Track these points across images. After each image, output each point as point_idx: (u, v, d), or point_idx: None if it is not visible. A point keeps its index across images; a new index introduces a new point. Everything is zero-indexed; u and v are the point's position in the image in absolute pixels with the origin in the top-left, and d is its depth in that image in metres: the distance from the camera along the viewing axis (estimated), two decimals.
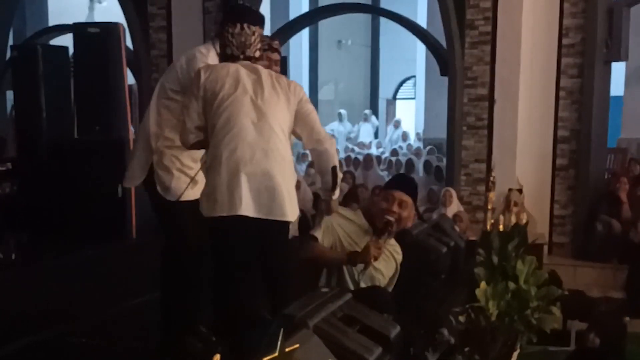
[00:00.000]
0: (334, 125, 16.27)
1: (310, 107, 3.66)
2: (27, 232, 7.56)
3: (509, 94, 8.72)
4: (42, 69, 8.06)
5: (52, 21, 13.88)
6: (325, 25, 15.73)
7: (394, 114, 19.04)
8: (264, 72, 3.58)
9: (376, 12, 16.32)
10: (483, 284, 5.07)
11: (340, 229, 4.14)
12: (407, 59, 18.35)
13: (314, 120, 3.63)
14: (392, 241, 4.31)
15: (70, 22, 11.11)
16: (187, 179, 3.89)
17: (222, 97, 3.47)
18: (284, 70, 11.41)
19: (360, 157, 11.75)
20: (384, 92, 19.84)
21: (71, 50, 8.75)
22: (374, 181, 9.86)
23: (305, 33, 14.95)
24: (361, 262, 3.97)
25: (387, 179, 10.57)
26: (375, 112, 18.28)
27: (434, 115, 14.05)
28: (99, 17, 13.53)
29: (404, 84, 20.12)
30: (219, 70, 3.54)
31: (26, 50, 8.54)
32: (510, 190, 8.48)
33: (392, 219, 4.12)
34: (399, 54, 18.74)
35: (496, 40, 8.73)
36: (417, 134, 16.25)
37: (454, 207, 8.53)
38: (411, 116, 18.42)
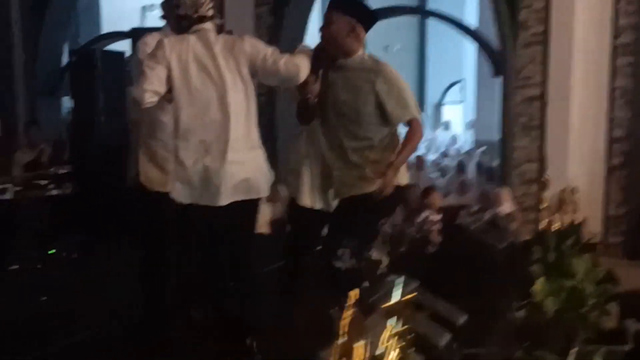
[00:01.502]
0: None
1: (263, 55, 3.72)
2: (87, 231, 7.74)
3: (562, 94, 8.67)
4: (100, 73, 8.26)
5: (105, 29, 14.17)
6: (372, 30, 15.75)
7: (441, 118, 19.03)
8: (217, 47, 3.71)
9: (425, 14, 16.31)
10: (540, 281, 5.08)
11: None
12: (455, 63, 18.32)
13: (275, 67, 3.70)
14: (356, 60, 3.94)
15: (123, 29, 11.39)
16: None
17: (189, 91, 3.66)
18: None
19: (411, 159, 11.78)
20: (431, 97, 19.82)
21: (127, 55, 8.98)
22: (426, 182, 9.90)
23: None
24: (304, 94, 3.81)
25: (439, 181, 10.66)
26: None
27: (485, 116, 14.04)
28: (151, 24, 13.76)
29: (451, 88, 20.07)
30: (180, 49, 3.68)
31: (85, 55, 8.76)
32: (563, 189, 8.44)
33: (322, 41, 3.86)
34: (446, 58, 18.72)
35: (549, 40, 8.70)
36: (469, 122, 16.20)
37: (506, 207, 8.51)
38: (459, 120, 18.37)
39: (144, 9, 15.16)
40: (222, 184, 3.67)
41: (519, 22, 8.93)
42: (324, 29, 3.85)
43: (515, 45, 8.99)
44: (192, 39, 3.71)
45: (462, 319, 3.01)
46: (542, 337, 5.00)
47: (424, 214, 8.04)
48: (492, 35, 9.93)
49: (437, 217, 8.05)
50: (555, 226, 6.27)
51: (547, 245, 5.43)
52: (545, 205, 6.61)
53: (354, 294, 1.43)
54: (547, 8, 8.71)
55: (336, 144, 3.88)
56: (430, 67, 19.56)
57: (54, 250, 7.36)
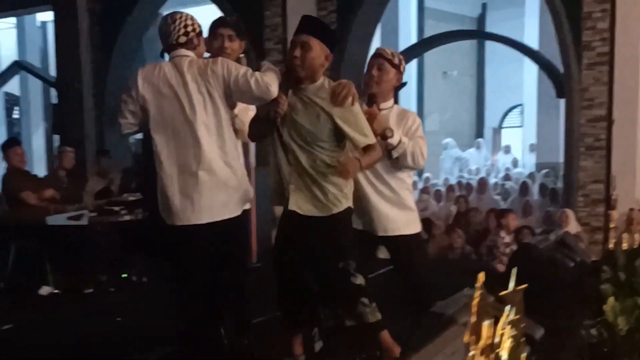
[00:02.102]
0: (442, 154, 16.45)
1: (235, 76, 3.89)
2: (157, 256, 7.91)
3: (629, 114, 8.60)
4: None
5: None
6: (431, 56, 15.85)
7: (500, 142, 18.95)
8: (189, 72, 3.92)
9: (484, 36, 16.29)
10: (611, 300, 5.03)
11: None
12: (513, 87, 18.25)
13: (248, 87, 3.85)
14: (318, 87, 3.98)
15: None
16: None
17: (162, 117, 3.93)
18: (395, 99, 11.54)
19: (473, 182, 11.80)
20: (490, 121, 19.76)
21: None
22: (489, 204, 9.88)
23: (413, 64, 15.08)
24: (274, 112, 3.86)
25: (501, 204, 10.62)
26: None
27: (547, 139, 13.95)
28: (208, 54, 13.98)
29: (510, 113, 19.98)
30: (153, 76, 3.95)
31: None
32: (631, 209, 8.33)
33: (296, 64, 3.91)
34: (504, 82, 18.67)
35: (614, 60, 8.65)
36: (531, 145, 16.13)
37: (571, 228, 8.45)
38: (518, 144, 18.26)
39: None
40: (196, 203, 3.88)
41: (582, 42, 8.90)
42: (302, 54, 3.91)
43: (579, 66, 8.96)
44: (166, 66, 3.96)
45: (540, 333, 3.04)
46: (615, 355, 4.95)
47: (501, 235, 8.08)
48: (554, 56, 9.89)
49: (510, 238, 8.08)
50: (624, 246, 6.19)
51: (617, 264, 5.38)
52: (613, 225, 6.54)
53: (481, 275, 1.56)
54: (611, 28, 8.68)
55: (292, 161, 3.99)
56: (489, 92, 19.53)
57: (126, 274, 7.56)
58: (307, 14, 10.06)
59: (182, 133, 3.90)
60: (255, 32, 10.72)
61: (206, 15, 14.39)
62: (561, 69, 9.53)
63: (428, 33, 15.40)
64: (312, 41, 3.89)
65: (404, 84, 4.50)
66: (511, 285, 1.69)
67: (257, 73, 3.88)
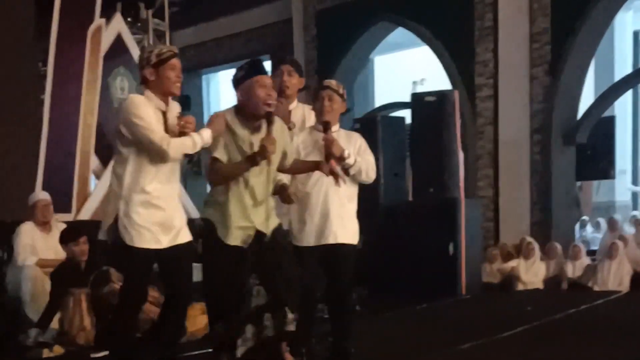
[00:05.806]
0: None
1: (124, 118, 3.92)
2: (369, 287, 8.08)
3: None
4: (381, 137, 8.74)
5: (377, 103, 14.87)
6: None
7: None
8: None
9: None
10: None
11: (231, 143, 4.08)
12: None
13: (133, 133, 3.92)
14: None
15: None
16: None
17: None
18: (610, 131, 11.10)
19: None
20: None
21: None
22: None
23: (629, 96, 14.41)
24: (262, 159, 3.94)
25: None
26: None
27: None
28: None
29: None
30: None
31: (367, 121, 9.31)
32: None
33: (271, 104, 4.01)
34: None
35: None
36: None
37: None
38: None
39: (415, 83, 15.74)
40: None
41: None
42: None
43: None
44: None
45: None
46: None
47: None
48: None
49: None
50: None
51: None
52: None
53: None
54: None
55: None
56: None
57: None
58: (520, 48, 10.13)
59: None
60: (467, 68, 10.87)
61: (420, 57, 14.56)
62: None
63: None
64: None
65: (348, 110, 4.95)
66: None
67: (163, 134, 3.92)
